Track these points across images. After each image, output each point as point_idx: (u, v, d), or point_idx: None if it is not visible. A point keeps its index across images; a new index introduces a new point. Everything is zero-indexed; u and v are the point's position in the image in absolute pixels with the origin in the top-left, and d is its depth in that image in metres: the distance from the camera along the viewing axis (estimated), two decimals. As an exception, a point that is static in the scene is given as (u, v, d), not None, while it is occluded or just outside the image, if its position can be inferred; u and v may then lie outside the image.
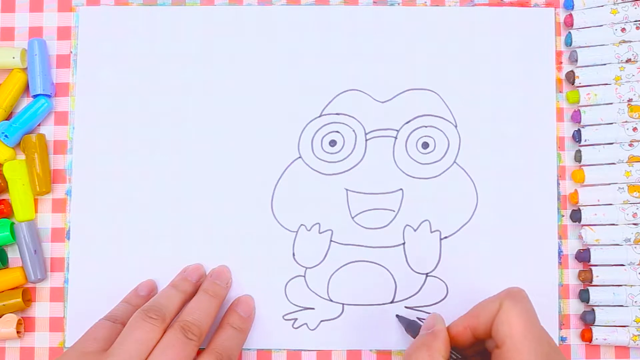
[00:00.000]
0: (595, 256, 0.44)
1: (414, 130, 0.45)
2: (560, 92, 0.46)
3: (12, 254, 0.45)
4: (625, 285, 0.44)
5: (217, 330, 0.41)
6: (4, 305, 0.43)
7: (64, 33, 0.46)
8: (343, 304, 0.45)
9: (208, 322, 0.40)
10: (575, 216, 0.44)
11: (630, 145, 0.44)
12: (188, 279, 0.43)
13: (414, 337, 0.41)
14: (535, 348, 0.34)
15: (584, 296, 0.44)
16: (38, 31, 0.46)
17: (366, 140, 0.45)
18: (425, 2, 0.46)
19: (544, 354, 0.34)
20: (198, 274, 0.43)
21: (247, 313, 0.43)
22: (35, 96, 0.45)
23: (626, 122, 0.44)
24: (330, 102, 0.46)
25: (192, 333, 0.38)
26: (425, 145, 0.45)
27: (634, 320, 0.43)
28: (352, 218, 0.45)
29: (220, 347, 0.40)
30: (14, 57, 0.45)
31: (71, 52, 0.46)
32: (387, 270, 0.45)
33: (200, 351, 0.39)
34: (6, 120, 0.45)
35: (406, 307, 0.44)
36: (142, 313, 0.38)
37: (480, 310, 0.37)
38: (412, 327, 0.42)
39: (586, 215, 0.44)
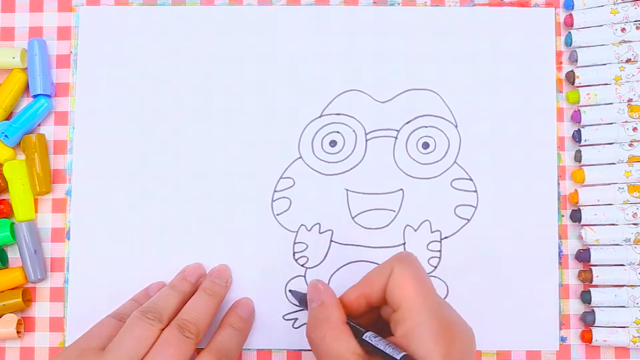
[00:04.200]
0: (596, 256, 0.44)
1: (414, 130, 0.45)
2: (560, 92, 0.46)
3: (12, 254, 0.45)
4: (626, 286, 0.44)
5: (217, 329, 0.41)
6: (4, 305, 0.43)
7: (64, 33, 0.46)
8: (343, 304, 0.44)
9: (206, 320, 0.40)
10: (575, 216, 0.45)
11: (630, 145, 0.44)
12: (187, 279, 0.43)
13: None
14: (429, 306, 0.35)
15: (585, 297, 0.44)
16: (38, 31, 0.46)
17: (366, 140, 0.45)
18: (425, 2, 0.46)
19: (437, 310, 0.35)
20: (197, 274, 0.43)
21: (246, 314, 0.43)
22: (35, 96, 0.45)
23: (626, 122, 0.44)
24: (330, 103, 0.46)
25: (189, 331, 0.38)
26: (426, 145, 0.45)
27: (634, 322, 0.43)
28: (353, 218, 0.45)
29: (220, 345, 0.40)
30: (14, 57, 0.45)
31: (71, 52, 0.46)
32: (387, 270, 0.44)
33: (199, 350, 0.39)
34: (6, 120, 0.45)
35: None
36: (140, 313, 0.38)
37: (372, 277, 0.37)
38: (305, 301, 0.41)
39: (586, 215, 0.44)
